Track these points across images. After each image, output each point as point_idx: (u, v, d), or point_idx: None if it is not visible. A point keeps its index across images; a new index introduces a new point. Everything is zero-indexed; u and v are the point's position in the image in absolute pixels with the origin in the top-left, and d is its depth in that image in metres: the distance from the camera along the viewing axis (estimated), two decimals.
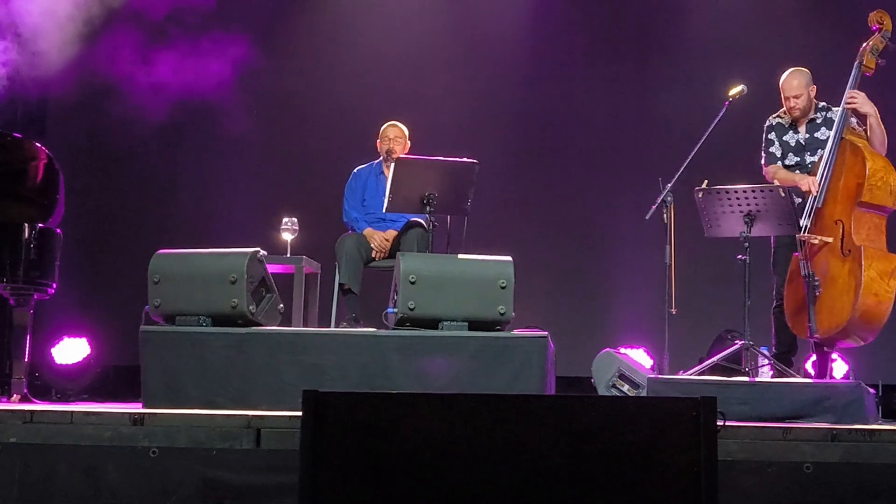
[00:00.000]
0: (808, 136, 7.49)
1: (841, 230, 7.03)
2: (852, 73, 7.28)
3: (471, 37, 10.13)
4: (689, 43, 10.11)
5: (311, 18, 9.92)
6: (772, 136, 7.57)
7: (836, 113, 7.31)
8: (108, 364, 9.40)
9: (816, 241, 7.06)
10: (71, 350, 9.28)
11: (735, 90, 7.56)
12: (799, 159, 7.49)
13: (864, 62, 7.26)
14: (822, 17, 9.22)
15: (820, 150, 7.33)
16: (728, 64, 9.17)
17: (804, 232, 7.09)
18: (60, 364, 9.21)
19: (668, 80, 10.06)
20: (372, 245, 8.02)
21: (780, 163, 7.52)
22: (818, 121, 7.48)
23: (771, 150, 7.56)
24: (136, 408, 6.29)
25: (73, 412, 5.81)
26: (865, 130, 7.24)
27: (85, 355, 9.30)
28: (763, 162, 7.60)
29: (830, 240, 7.04)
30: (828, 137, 7.30)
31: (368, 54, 9.92)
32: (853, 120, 7.30)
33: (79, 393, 8.94)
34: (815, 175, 7.19)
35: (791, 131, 7.53)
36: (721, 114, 7.48)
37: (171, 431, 5.64)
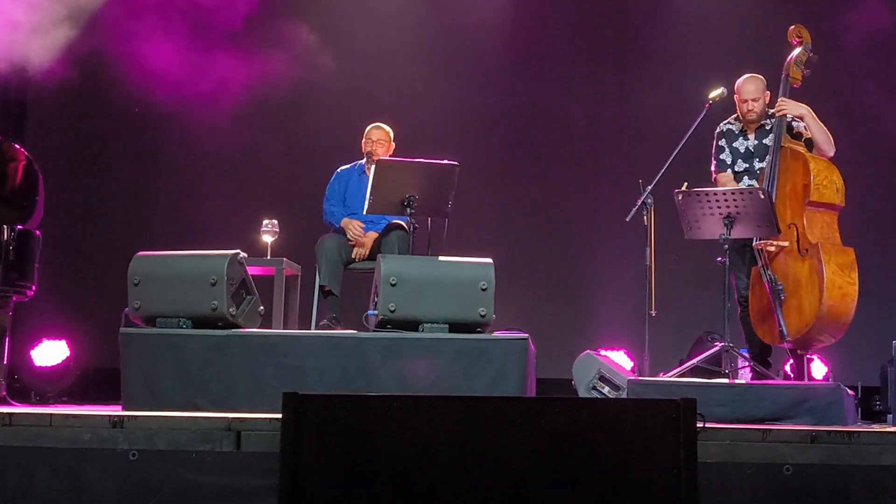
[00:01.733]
0: (756, 142, 7.58)
1: (795, 232, 7.16)
2: (780, 88, 7.52)
3: (452, 39, 10.14)
4: (669, 45, 10.13)
5: (293, 21, 9.90)
6: (722, 142, 7.67)
7: (772, 133, 7.46)
8: (88, 366, 9.36)
9: (773, 248, 7.16)
10: (50, 352, 9.23)
11: (715, 93, 7.59)
12: (748, 165, 7.59)
13: (791, 74, 7.50)
14: (801, 20, 9.24)
15: (768, 157, 7.43)
16: (708, 66, 9.19)
17: (757, 240, 7.17)
18: (39, 366, 9.15)
19: (649, 83, 10.08)
20: (348, 235, 8.00)
21: (729, 171, 7.61)
22: (767, 127, 7.57)
23: (721, 156, 7.66)
24: (115, 410, 6.27)
25: (52, 415, 5.78)
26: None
27: (64, 357, 9.24)
28: (713, 169, 7.68)
29: (786, 243, 7.15)
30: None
31: (350, 57, 9.91)
32: (800, 123, 7.45)
33: (58, 395, 8.89)
34: (762, 182, 7.29)
35: (741, 137, 7.63)
36: (701, 116, 7.50)
37: (150, 434, 5.62)
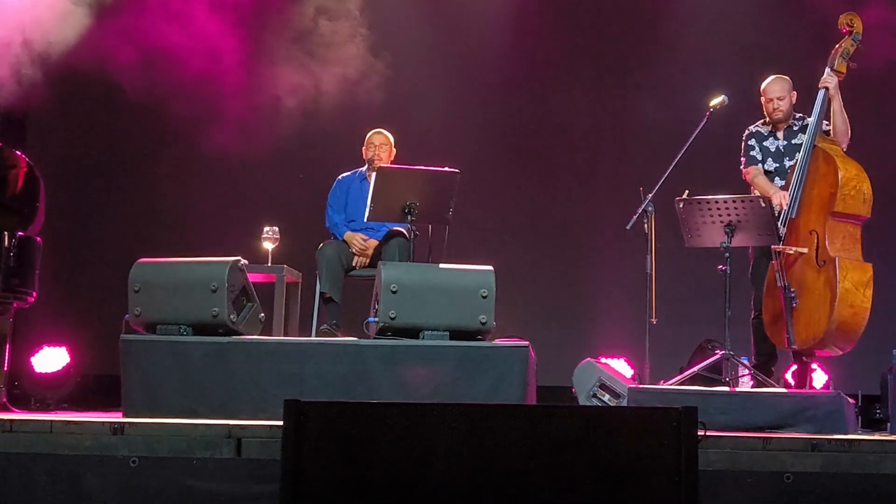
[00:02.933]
0: (785, 142, 7.54)
1: (815, 241, 7.07)
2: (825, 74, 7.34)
3: (454, 47, 10.14)
4: (670, 53, 10.13)
5: (293, 27, 9.90)
6: (752, 142, 7.62)
7: (811, 121, 7.36)
8: (88, 373, 9.36)
9: (792, 252, 7.10)
10: (50, 359, 9.24)
11: (716, 101, 7.58)
12: (778, 165, 7.54)
13: (836, 67, 7.31)
14: (803, 29, 9.25)
15: (798, 154, 7.36)
16: (709, 74, 9.21)
17: (780, 243, 7.12)
18: (40, 373, 9.16)
19: (650, 91, 10.08)
20: (352, 249, 8.02)
21: (760, 165, 7.55)
22: (795, 128, 7.55)
23: (752, 153, 7.60)
24: (116, 417, 6.26)
25: (52, 421, 5.79)
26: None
27: (65, 364, 9.25)
28: (742, 165, 7.64)
29: (805, 250, 7.08)
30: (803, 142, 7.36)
31: (351, 64, 9.91)
32: (824, 123, 7.33)
33: (58, 402, 8.90)
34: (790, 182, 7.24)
35: (771, 138, 7.58)
36: (702, 124, 7.49)
37: (151, 441, 5.63)
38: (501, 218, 10.13)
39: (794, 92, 7.53)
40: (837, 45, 7.35)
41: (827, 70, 7.32)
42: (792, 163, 7.42)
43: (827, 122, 7.32)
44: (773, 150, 7.56)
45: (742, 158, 7.65)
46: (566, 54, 10.36)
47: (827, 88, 7.28)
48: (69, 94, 9.46)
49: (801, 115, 7.55)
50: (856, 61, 7.32)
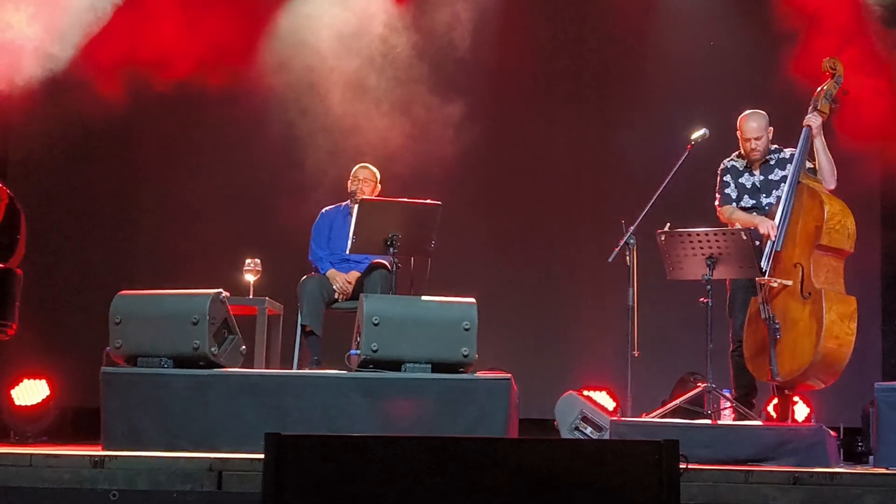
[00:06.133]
0: (762, 177, 7.54)
1: (800, 273, 7.08)
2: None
3: (433, 77, 10.15)
4: (651, 86, 10.17)
5: (275, 56, 9.92)
6: (727, 178, 7.62)
7: (789, 154, 7.40)
8: (69, 406, 9.30)
9: (776, 285, 7.11)
10: (30, 391, 9.17)
11: (697, 134, 7.60)
12: (755, 202, 7.54)
13: (820, 107, 7.37)
14: (782, 63, 9.29)
15: (775, 191, 7.40)
16: (690, 107, 9.24)
17: (764, 275, 7.13)
18: (20, 405, 9.10)
19: (631, 124, 10.11)
20: (334, 287, 8.01)
21: (735, 204, 7.57)
22: (771, 162, 7.54)
23: (726, 191, 7.61)
24: (96, 450, 6.23)
25: (32, 454, 5.76)
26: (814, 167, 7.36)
27: (44, 397, 9.19)
28: (717, 203, 7.65)
29: (790, 283, 7.09)
30: (781, 178, 7.38)
31: (334, 96, 9.92)
32: (807, 163, 7.38)
33: (38, 435, 8.83)
34: (773, 218, 7.25)
35: (746, 173, 7.58)
36: (683, 157, 7.51)
37: (131, 474, 5.60)
38: (483, 250, 10.12)
39: (771, 128, 7.54)
40: (820, 88, 7.43)
41: (811, 109, 7.37)
42: (770, 199, 7.44)
43: (811, 161, 7.37)
44: (749, 186, 7.57)
45: (717, 195, 7.65)
46: (547, 86, 10.39)
47: (810, 127, 7.32)
48: (50, 126, 9.45)
49: (776, 146, 7.57)
50: (837, 103, 7.41)
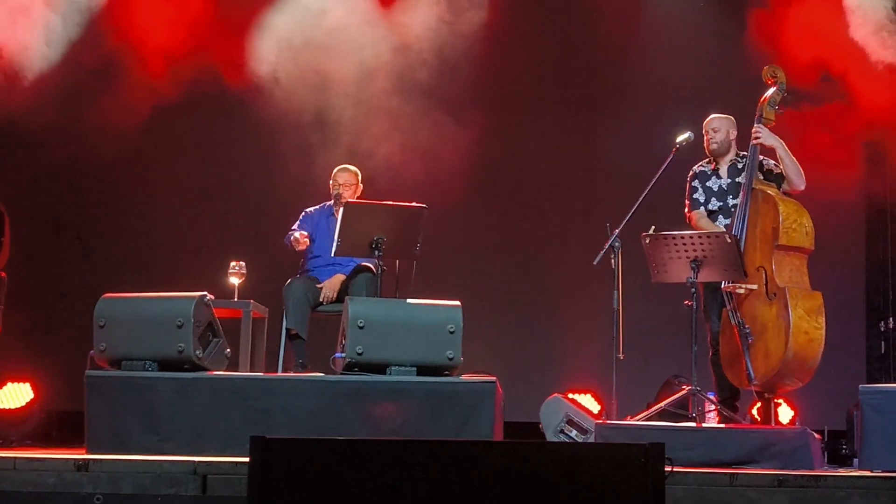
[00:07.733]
0: (729, 180, 7.64)
1: (764, 275, 7.17)
2: (754, 127, 7.51)
3: (420, 84, 10.15)
4: (637, 90, 10.18)
5: (262, 60, 9.90)
6: (695, 183, 7.73)
7: (746, 172, 7.49)
8: (52, 409, 9.29)
9: (742, 291, 7.18)
10: (14, 395, 9.16)
11: (682, 137, 7.63)
12: (721, 203, 7.65)
13: (765, 116, 7.52)
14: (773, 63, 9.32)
15: (741, 197, 7.45)
16: (676, 110, 9.24)
17: (727, 283, 7.19)
18: (3, 409, 9.08)
19: (616, 127, 10.13)
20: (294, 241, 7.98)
21: (702, 208, 7.66)
22: (739, 166, 7.64)
23: (695, 196, 7.71)
24: (80, 454, 6.21)
25: (15, 458, 5.74)
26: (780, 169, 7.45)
27: (28, 400, 9.18)
28: (686, 209, 7.72)
29: (755, 286, 7.17)
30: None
31: (319, 98, 9.91)
32: (770, 162, 7.49)
33: (22, 438, 8.82)
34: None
35: (713, 177, 7.69)
36: (668, 160, 7.54)
37: (115, 477, 5.58)
38: (469, 253, 10.13)
39: (735, 131, 7.67)
40: (762, 98, 7.57)
41: (756, 123, 7.48)
42: (735, 201, 7.51)
43: (777, 165, 7.47)
44: (716, 189, 7.67)
45: (686, 202, 7.74)
46: (533, 90, 10.40)
47: (759, 142, 7.42)
48: (34, 129, 9.42)
49: (745, 153, 7.62)
50: (782, 109, 7.56)
